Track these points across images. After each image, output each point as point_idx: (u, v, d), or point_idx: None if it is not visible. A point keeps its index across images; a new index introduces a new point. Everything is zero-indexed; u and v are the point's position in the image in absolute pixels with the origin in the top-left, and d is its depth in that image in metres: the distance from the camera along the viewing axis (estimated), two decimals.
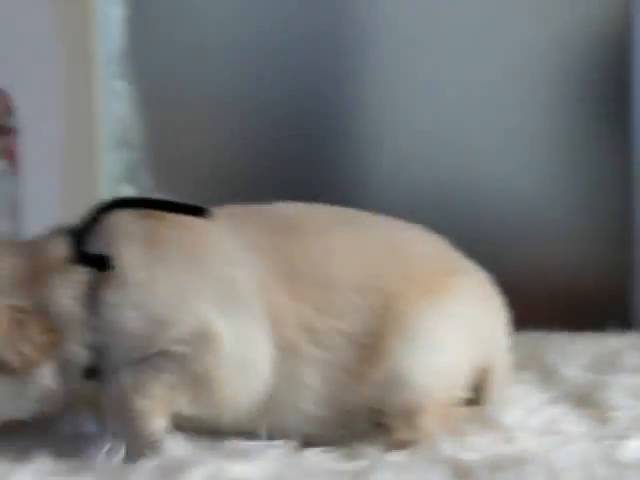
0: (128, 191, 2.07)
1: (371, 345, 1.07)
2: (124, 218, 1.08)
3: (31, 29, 1.99)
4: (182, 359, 1.01)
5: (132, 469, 0.96)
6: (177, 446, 1.01)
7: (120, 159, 2.06)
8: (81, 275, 1.02)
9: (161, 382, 1.01)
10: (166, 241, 1.07)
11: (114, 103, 2.05)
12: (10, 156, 2.01)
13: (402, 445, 1.08)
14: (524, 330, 1.30)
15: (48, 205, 2.04)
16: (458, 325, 1.11)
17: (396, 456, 1.03)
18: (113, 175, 2.05)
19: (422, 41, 2.02)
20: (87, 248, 1.04)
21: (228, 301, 1.04)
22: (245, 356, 1.04)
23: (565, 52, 1.98)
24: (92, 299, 1.02)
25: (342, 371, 1.07)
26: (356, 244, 1.11)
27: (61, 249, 1.04)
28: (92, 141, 2.02)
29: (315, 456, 1.03)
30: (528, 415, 1.17)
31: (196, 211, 1.07)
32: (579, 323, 1.83)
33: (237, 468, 0.96)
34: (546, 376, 1.32)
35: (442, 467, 0.96)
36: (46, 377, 1.00)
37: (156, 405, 1.02)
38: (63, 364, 1.01)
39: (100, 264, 1.02)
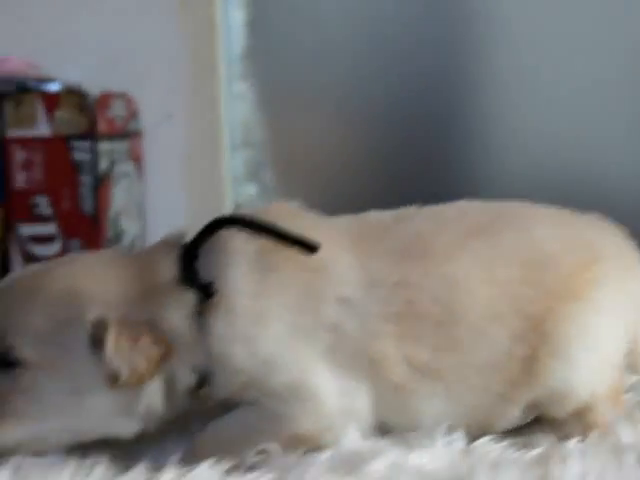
0: (252, 190, 2.09)
1: (519, 370, 1.01)
2: (239, 239, 1.01)
3: (155, 32, 2.02)
4: (275, 419, 0.96)
5: (310, 461, 0.94)
6: (355, 439, 0.98)
7: (243, 159, 2.08)
8: (191, 297, 0.98)
9: (247, 442, 0.96)
10: (282, 272, 0.99)
11: (237, 104, 2.07)
12: (137, 159, 2.05)
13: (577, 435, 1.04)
14: None
15: (174, 207, 2.08)
16: (607, 319, 1.05)
17: (573, 444, 1.00)
18: (236, 175, 2.07)
19: (535, 42, 2.01)
20: (198, 269, 0.99)
21: (336, 351, 0.98)
22: (343, 410, 0.98)
23: None
24: (200, 324, 0.98)
25: (479, 394, 1.01)
26: (486, 263, 1.01)
27: (172, 268, 0.99)
28: (216, 142, 2.05)
29: (490, 446, 0.99)
30: None
31: (308, 247, 0.98)
32: None
33: (417, 459, 0.94)
34: None
35: (627, 454, 0.94)
36: (154, 393, 0.97)
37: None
38: (170, 382, 0.98)
39: (206, 291, 0.97)
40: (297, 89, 2.09)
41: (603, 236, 1.09)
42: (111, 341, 0.92)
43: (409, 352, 0.98)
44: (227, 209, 2.07)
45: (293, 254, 0.98)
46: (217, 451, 0.96)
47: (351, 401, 0.98)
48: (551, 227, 1.06)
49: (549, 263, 1.02)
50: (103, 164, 1.99)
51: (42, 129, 1.97)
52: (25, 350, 0.93)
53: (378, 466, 0.91)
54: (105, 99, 1.97)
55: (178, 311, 0.97)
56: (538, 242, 1.04)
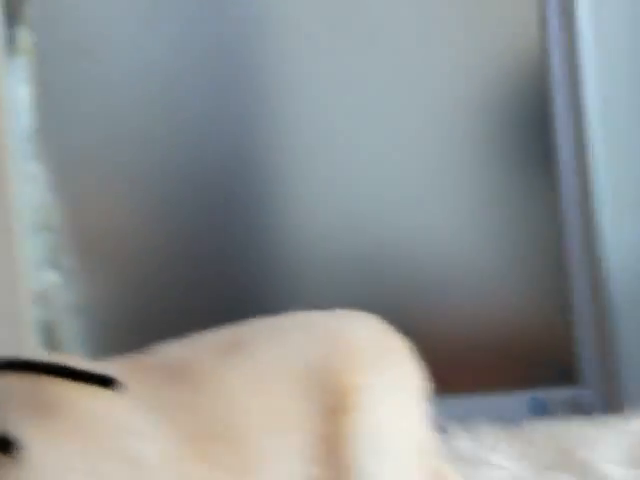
0: (53, 277, 1.99)
1: None
2: (13, 384, 0.87)
3: None
4: None
5: None
6: None
7: (41, 243, 1.98)
8: None
9: None
10: (62, 412, 0.86)
11: (29, 186, 1.97)
12: None
13: None
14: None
15: None
16: (386, 432, 0.98)
17: None
18: (35, 260, 1.97)
19: (335, 91, 2.08)
20: None
21: None
22: None
23: (483, 95, 2.09)
24: None
25: None
26: (252, 374, 0.96)
27: None
28: (10, 227, 1.94)
29: None
30: None
31: (104, 382, 0.88)
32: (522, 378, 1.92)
33: None
34: None
35: None
36: None
37: None
38: None
39: (4, 447, 0.82)
40: (91, 168, 2.02)
41: (357, 333, 1.03)
42: None
43: (213, 475, 0.90)
44: (26, 296, 1.95)
45: (73, 396, 0.87)
46: None
47: None
48: (305, 336, 1.00)
49: (314, 375, 0.96)
50: None
51: None
52: None
53: None
54: None
55: None
56: (296, 350, 0.99)
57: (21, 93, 1.97)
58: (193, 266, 2.05)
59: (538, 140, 2.07)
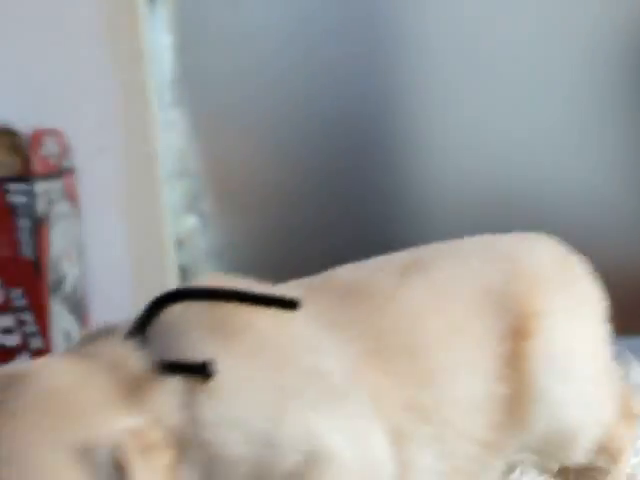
0: (191, 221, 2.04)
1: (501, 412, 0.95)
2: (190, 311, 0.90)
3: (83, 65, 1.95)
4: None
5: None
6: None
7: (180, 190, 2.03)
8: (176, 386, 0.85)
9: None
10: (244, 333, 0.89)
11: (170, 133, 2.02)
12: (72, 198, 1.96)
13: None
14: None
15: (114, 244, 2.00)
16: (570, 342, 0.98)
17: None
18: (175, 206, 2.02)
19: (468, 40, 2.07)
20: (164, 354, 0.87)
21: (330, 398, 0.89)
22: (365, 457, 0.89)
23: (610, 43, 2.06)
24: (190, 415, 0.85)
25: (465, 442, 0.95)
26: (432, 293, 0.97)
27: (138, 359, 0.86)
28: (152, 174, 1.99)
29: None
30: None
31: (284, 303, 0.91)
32: None
33: None
34: None
35: None
36: None
37: None
38: None
39: (199, 371, 0.86)
40: (231, 115, 2.06)
41: (537, 256, 1.03)
42: (131, 469, 0.79)
43: (398, 386, 0.92)
44: (167, 242, 2.01)
45: (247, 315, 0.89)
46: None
47: (368, 446, 0.89)
48: (485, 258, 1.01)
49: (492, 298, 0.97)
50: (40, 206, 1.89)
51: None
52: None
53: None
54: (38, 137, 1.87)
55: (169, 406, 0.85)
56: (476, 274, 0.99)
57: (163, 41, 2.01)
58: (326, 209, 2.09)
59: None
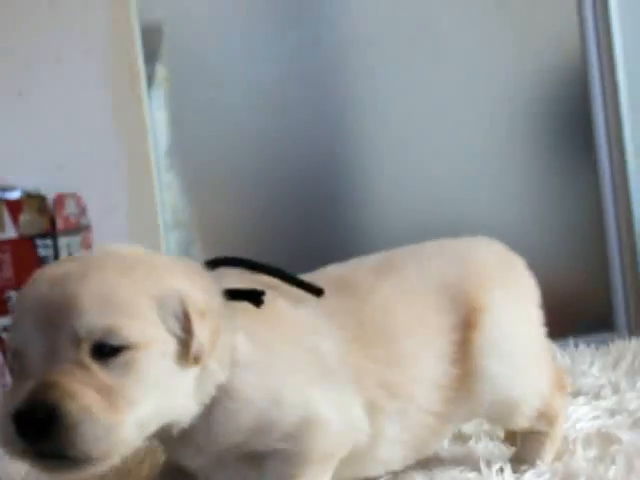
0: None
1: (455, 389, 1.09)
2: (241, 272, 1.05)
3: (95, 138, 2.33)
4: (297, 458, 1.00)
5: None
6: None
7: (175, 238, 2.41)
8: (232, 310, 0.99)
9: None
10: (269, 306, 1.03)
11: (166, 192, 2.41)
12: (88, 248, 2.33)
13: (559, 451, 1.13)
14: None
15: None
16: (511, 327, 1.12)
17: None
18: (171, 252, 2.40)
19: (405, 108, 2.50)
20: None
21: (325, 375, 1.03)
22: (347, 423, 1.03)
23: (528, 88, 2.46)
24: (230, 327, 0.99)
25: (423, 414, 1.08)
26: (402, 289, 1.12)
27: (214, 279, 1.00)
28: (153, 226, 2.36)
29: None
30: None
31: (315, 290, 1.05)
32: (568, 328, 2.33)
33: None
34: None
35: None
36: (210, 377, 0.97)
37: None
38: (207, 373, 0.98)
39: (255, 299, 1.01)
40: (215, 175, 2.46)
41: (484, 257, 1.18)
42: (197, 321, 0.92)
43: (375, 368, 1.06)
44: None
45: (272, 294, 1.02)
46: None
47: (349, 413, 1.04)
48: (443, 260, 1.17)
49: (448, 294, 1.12)
50: (63, 256, 2.25)
51: (9, 232, 2.21)
52: (130, 331, 0.89)
53: None
54: (60, 200, 2.24)
55: (218, 305, 0.98)
56: (436, 272, 1.14)
57: (159, 117, 2.40)
58: (301, 241, 2.48)
59: (578, 132, 2.47)
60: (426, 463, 1.12)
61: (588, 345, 1.58)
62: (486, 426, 1.24)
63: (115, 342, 0.88)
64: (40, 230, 2.22)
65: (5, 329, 2.24)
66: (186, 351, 0.92)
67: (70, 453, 0.85)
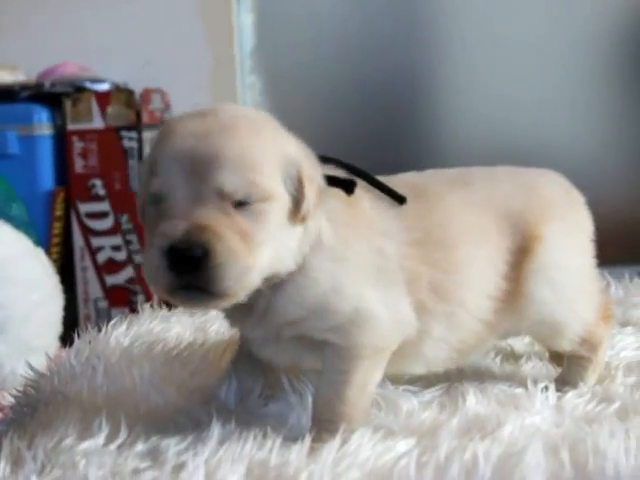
0: None
1: (503, 301, 1.13)
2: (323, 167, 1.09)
3: (182, 36, 2.41)
4: (349, 353, 1.05)
5: (439, 425, 1.02)
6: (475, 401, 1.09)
7: None
8: (329, 196, 1.07)
9: (348, 390, 1.04)
10: (354, 202, 1.09)
11: (248, 93, 2.49)
12: None
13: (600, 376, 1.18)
14: None
15: None
16: (567, 254, 1.17)
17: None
18: None
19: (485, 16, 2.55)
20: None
21: (382, 276, 1.08)
22: (395, 319, 1.08)
23: (609, 24, 2.51)
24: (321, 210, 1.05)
25: (472, 320, 1.13)
26: (471, 203, 1.16)
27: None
28: None
29: (575, 400, 1.10)
30: None
31: (399, 198, 1.11)
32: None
33: (531, 421, 1.03)
34: None
35: None
36: (312, 233, 1.04)
37: None
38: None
39: (348, 186, 1.08)
40: (297, 79, 2.53)
41: (551, 189, 1.22)
42: (307, 183, 1.01)
43: (430, 272, 1.11)
44: None
45: (340, 197, 1.08)
46: (336, 417, 1.03)
47: (398, 311, 1.08)
48: (512, 185, 1.21)
49: (512, 219, 1.16)
50: (147, 149, 2.35)
51: (97, 123, 2.31)
52: (265, 186, 0.97)
53: (507, 429, 0.99)
54: (147, 95, 2.32)
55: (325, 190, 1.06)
56: (504, 196, 1.18)
57: (246, 20, 2.47)
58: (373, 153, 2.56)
59: None
60: (479, 376, 1.19)
61: None
62: (537, 347, 1.29)
63: (254, 197, 0.97)
64: (126, 122, 2.31)
65: (89, 215, 2.36)
66: (297, 210, 1.00)
67: (213, 288, 0.94)
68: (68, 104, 2.30)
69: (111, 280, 2.38)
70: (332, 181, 1.07)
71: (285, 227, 1.01)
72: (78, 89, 2.30)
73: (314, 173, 1.03)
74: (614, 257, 2.52)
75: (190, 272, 0.93)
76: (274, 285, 1.03)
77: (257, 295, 1.01)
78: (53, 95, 2.30)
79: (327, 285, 1.05)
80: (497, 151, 2.57)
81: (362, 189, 1.11)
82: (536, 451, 0.89)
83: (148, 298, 2.33)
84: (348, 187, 1.08)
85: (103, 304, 2.39)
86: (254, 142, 0.99)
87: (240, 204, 0.97)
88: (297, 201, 1.01)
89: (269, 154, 1.00)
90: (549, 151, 2.55)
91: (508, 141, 2.57)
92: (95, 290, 2.39)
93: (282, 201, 1.00)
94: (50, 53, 2.32)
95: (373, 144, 2.57)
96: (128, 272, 2.38)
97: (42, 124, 2.30)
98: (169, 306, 1.50)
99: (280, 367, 1.13)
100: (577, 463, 0.88)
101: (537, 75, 2.55)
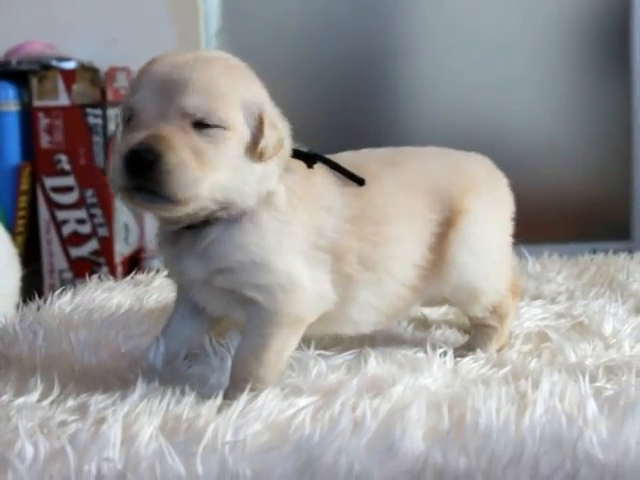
0: None
1: (429, 269, 1.21)
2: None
3: (148, 16, 2.47)
4: (273, 316, 1.13)
5: (341, 385, 1.09)
6: (376, 364, 1.17)
7: None
8: (290, 164, 1.15)
9: (267, 350, 1.12)
10: (309, 176, 1.18)
11: None
12: None
13: (503, 344, 1.26)
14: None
15: None
16: (487, 228, 1.24)
17: (533, 363, 1.17)
18: None
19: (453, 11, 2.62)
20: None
21: (314, 249, 1.16)
22: (318, 294, 1.16)
23: (574, 5, 2.61)
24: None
25: (398, 285, 1.21)
26: (402, 181, 1.23)
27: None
28: None
29: (470, 365, 1.16)
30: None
31: (358, 180, 1.19)
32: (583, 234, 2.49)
33: (422, 381, 1.10)
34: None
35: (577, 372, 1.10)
36: (270, 176, 1.12)
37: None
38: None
39: (310, 159, 1.17)
40: (262, 60, 2.59)
41: (476, 169, 1.30)
42: (268, 125, 1.09)
43: (360, 246, 1.18)
44: None
45: (298, 172, 1.17)
46: (251, 377, 1.10)
47: (321, 288, 1.16)
48: (440, 164, 1.29)
49: (439, 195, 1.24)
50: (111, 127, 2.43)
51: (62, 100, 2.38)
52: (224, 115, 1.06)
53: (398, 389, 1.06)
54: (112, 73, 2.39)
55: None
56: (432, 174, 1.26)
57: (212, 0, 2.53)
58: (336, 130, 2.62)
59: (616, 50, 2.62)
60: (387, 342, 1.27)
61: (561, 256, 1.71)
62: (450, 316, 1.38)
63: (211, 121, 1.06)
64: (91, 100, 2.38)
65: (55, 189, 2.43)
66: (254, 146, 1.09)
67: (162, 192, 1.03)
68: (34, 82, 2.37)
69: (75, 252, 2.46)
70: (295, 153, 1.17)
71: (243, 161, 1.09)
72: (44, 67, 2.37)
73: (277, 121, 1.11)
74: (571, 234, 2.65)
75: (142, 174, 1.03)
76: (223, 222, 1.12)
77: (205, 229, 1.12)
78: (20, 73, 2.37)
79: (271, 242, 1.13)
80: (462, 130, 2.65)
81: (321, 164, 1.20)
82: (420, 407, 0.97)
83: (111, 270, 2.41)
84: (309, 160, 1.18)
85: (68, 275, 2.47)
86: (223, 76, 1.09)
87: (199, 125, 1.06)
88: (256, 138, 1.09)
89: (235, 89, 1.09)
90: (511, 132, 2.64)
91: (473, 120, 2.66)
92: (60, 262, 2.47)
93: (240, 133, 1.08)
94: (17, 31, 2.38)
95: (338, 124, 2.64)
96: (92, 244, 2.46)
97: (9, 101, 2.38)
98: (115, 277, 1.58)
99: (215, 315, 1.20)
100: (454, 418, 0.95)
101: (501, 58, 2.64)
